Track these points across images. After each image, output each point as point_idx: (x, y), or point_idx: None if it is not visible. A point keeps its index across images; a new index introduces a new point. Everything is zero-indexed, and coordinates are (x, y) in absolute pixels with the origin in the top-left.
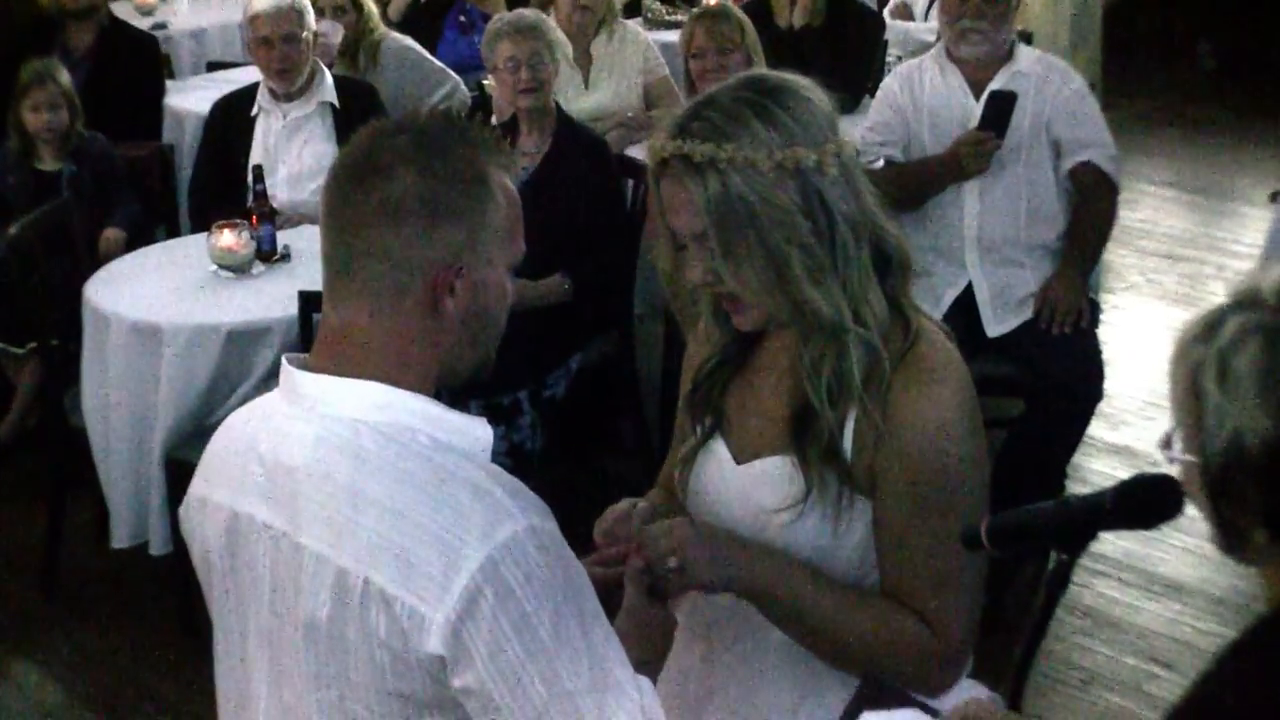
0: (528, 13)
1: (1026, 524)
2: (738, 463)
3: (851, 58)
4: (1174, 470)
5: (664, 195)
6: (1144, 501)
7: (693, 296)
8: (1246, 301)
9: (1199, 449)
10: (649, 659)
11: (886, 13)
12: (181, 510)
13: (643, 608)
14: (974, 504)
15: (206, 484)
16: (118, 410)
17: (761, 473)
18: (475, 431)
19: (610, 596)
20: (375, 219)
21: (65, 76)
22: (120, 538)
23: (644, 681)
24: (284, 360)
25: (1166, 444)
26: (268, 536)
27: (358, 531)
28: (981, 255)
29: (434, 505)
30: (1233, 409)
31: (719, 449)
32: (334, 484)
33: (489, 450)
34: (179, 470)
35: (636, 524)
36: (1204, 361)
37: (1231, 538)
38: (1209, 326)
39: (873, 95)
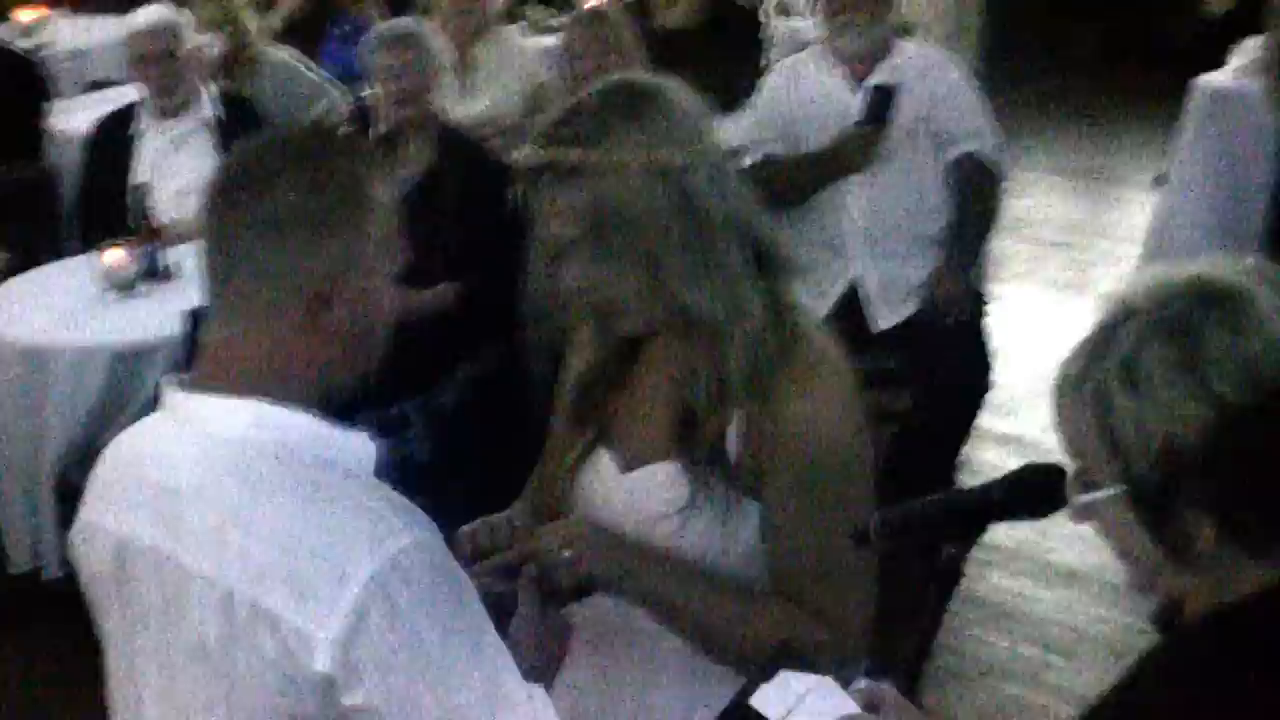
0: (403, 22)
1: (916, 517)
2: (623, 471)
3: (732, 58)
4: (1089, 510)
5: (537, 203)
6: (1034, 490)
7: (572, 305)
8: (1124, 314)
9: (1121, 474)
10: (543, 666)
11: (769, 8)
12: (70, 537)
13: (537, 614)
14: (861, 499)
15: (92, 509)
16: (7, 434)
17: (648, 480)
18: (358, 446)
19: (498, 607)
20: (252, 234)
21: None
22: (18, 561)
23: (537, 690)
24: (162, 381)
25: (1081, 488)
26: (154, 560)
27: (242, 552)
28: (868, 249)
29: (318, 524)
30: (1155, 413)
31: (603, 459)
32: (217, 505)
33: (372, 465)
34: (71, 493)
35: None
36: (1105, 380)
37: (1174, 555)
38: (1093, 351)
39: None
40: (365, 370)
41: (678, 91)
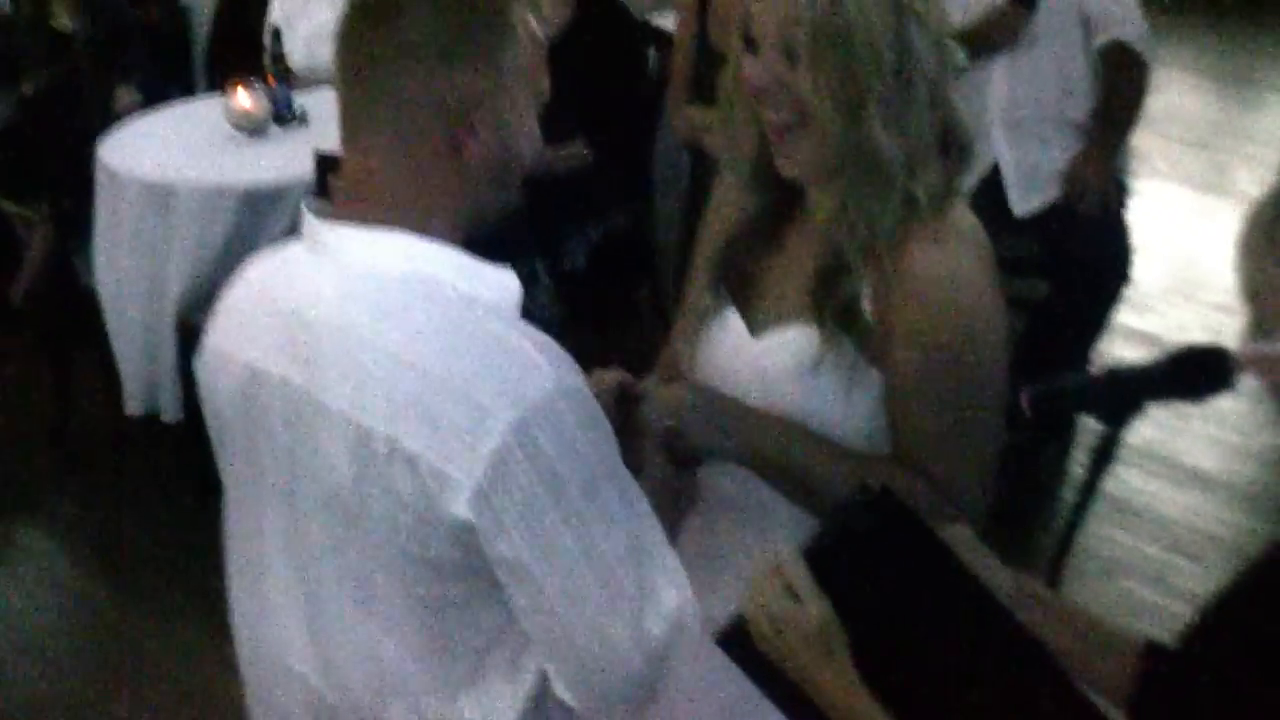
0: None
1: (1071, 391)
2: (754, 335)
3: None
4: (1261, 357)
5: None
6: (1195, 371)
7: (759, 104)
8: None
9: None
10: (667, 527)
11: None
12: (196, 361)
13: (665, 475)
14: (990, 371)
15: (222, 335)
16: (130, 273)
17: (776, 344)
18: (503, 282)
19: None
20: (389, 61)
21: None
22: (133, 405)
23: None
24: (303, 207)
25: (1258, 334)
26: (284, 393)
27: (381, 388)
28: (1009, 131)
29: (462, 361)
30: None
31: (733, 321)
32: (356, 338)
33: (519, 303)
34: (192, 335)
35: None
36: None
37: None
38: None
39: None
40: (505, 204)
41: None
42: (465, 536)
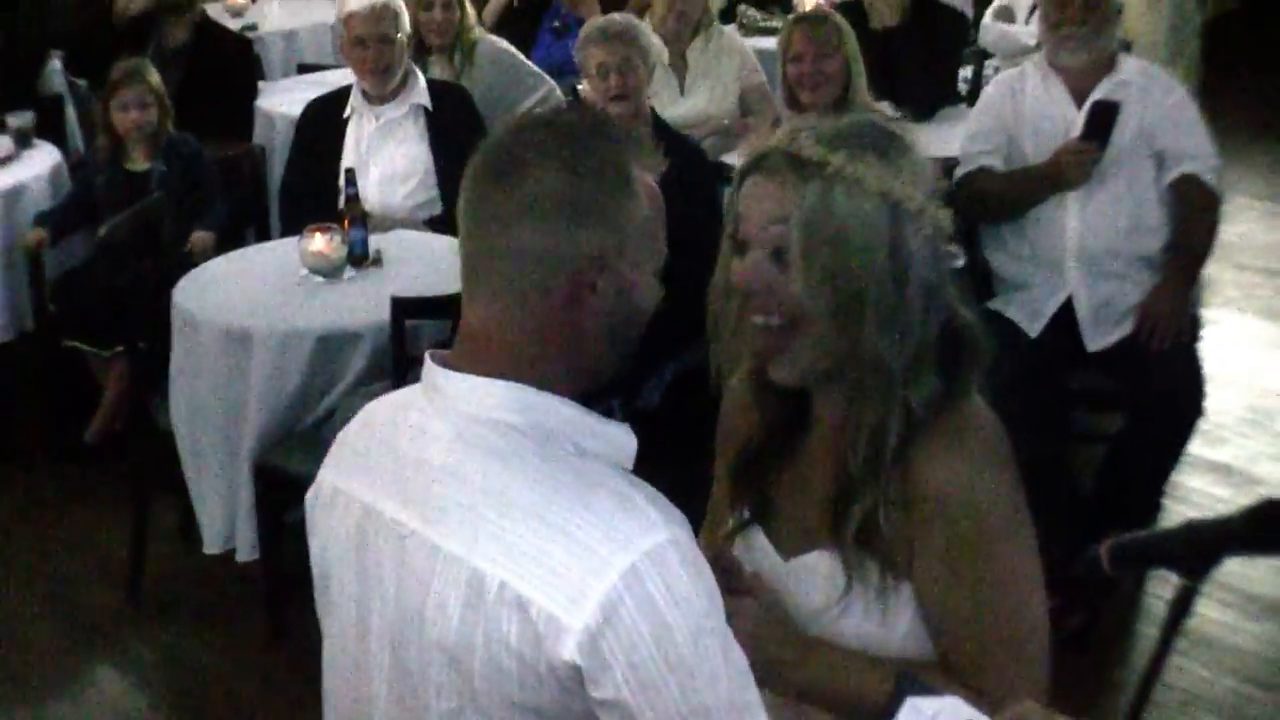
0: (619, 18)
1: (1150, 548)
2: (784, 558)
3: (938, 56)
4: None
5: (748, 191)
6: (1273, 527)
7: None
8: None
9: None
10: None
11: (989, 14)
12: (309, 496)
13: None
14: (1017, 560)
15: (339, 472)
16: (207, 414)
17: (804, 571)
18: (620, 439)
19: None
20: (515, 218)
21: (155, 75)
22: (211, 543)
23: None
24: (427, 356)
25: None
26: (396, 534)
27: (496, 533)
28: (1083, 267)
29: (577, 511)
30: None
31: (760, 541)
32: (472, 484)
33: (632, 458)
34: (268, 476)
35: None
36: None
37: None
38: None
39: (969, 104)
40: (621, 360)
41: (921, 150)
42: (570, 682)
